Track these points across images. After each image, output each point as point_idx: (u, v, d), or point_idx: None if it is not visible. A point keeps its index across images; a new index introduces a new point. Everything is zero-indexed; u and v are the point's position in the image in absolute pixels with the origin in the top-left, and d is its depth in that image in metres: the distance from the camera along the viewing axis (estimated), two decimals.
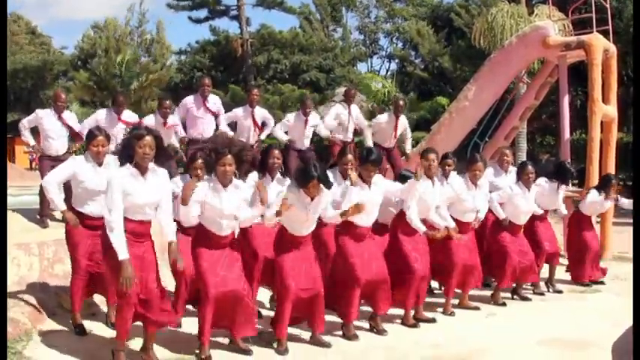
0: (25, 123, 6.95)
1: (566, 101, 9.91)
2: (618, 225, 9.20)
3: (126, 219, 4.11)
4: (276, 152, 5.70)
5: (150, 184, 4.21)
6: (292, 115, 8.18)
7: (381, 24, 37.01)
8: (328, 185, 4.71)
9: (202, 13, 28.49)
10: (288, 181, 5.68)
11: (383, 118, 8.48)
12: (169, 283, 5.17)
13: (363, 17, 37.36)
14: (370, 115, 15.55)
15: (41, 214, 6.92)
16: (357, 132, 8.73)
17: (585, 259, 7.46)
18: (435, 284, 6.61)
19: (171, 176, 4.66)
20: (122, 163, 4.21)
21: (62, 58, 38.10)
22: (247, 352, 4.71)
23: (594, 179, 8.81)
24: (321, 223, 5.13)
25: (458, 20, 24.64)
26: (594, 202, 7.56)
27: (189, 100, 7.72)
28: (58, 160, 6.90)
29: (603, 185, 7.65)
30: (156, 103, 8.01)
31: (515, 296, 6.78)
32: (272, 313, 5.16)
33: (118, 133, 6.95)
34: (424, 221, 5.67)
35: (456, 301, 6.26)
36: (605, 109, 9.39)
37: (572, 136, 10.93)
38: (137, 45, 33.50)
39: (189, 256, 4.65)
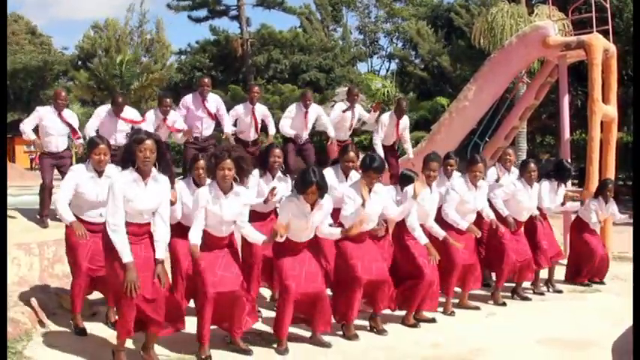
0: (27, 122, 6.94)
1: (566, 101, 9.90)
2: (618, 225, 9.20)
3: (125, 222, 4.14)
4: (277, 151, 5.72)
5: (150, 191, 4.22)
6: (293, 106, 8.20)
7: (380, 24, 37.08)
8: (324, 192, 4.71)
9: (202, 13, 28.55)
10: (289, 179, 5.70)
11: (384, 118, 8.49)
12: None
13: (363, 17, 37.42)
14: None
15: (41, 214, 6.93)
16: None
17: (588, 264, 7.43)
18: None
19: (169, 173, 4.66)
20: (124, 168, 4.21)
21: (62, 58, 38.12)
22: (247, 352, 4.71)
23: (594, 179, 8.81)
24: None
25: (458, 20, 24.66)
26: (595, 209, 7.51)
27: (188, 99, 7.72)
28: (58, 157, 6.93)
29: (601, 190, 7.63)
30: (156, 103, 7.99)
31: (515, 296, 6.78)
32: (272, 313, 5.16)
33: (119, 131, 6.98)
34: (422, 227, 5.68)
35: (456, 301, 6.27)
36: (605, 109, 9.39)
37: (572, 136, 10.95)
38: (137, 45, 33.52)
39: (189, 257, 4.67)
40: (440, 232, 5.84)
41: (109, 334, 4.92)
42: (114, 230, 4.06)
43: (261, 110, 8.11)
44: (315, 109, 8.19)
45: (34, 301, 5.27)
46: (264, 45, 27.94)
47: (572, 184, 8.91)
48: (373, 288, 5.20)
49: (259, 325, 5.36)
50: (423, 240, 5.55)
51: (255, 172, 5.42)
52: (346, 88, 10.41)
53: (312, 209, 4.73)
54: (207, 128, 7.70)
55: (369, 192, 5.15)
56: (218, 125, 7.91)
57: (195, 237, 4.47)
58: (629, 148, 14.88)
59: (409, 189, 5.45)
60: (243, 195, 4.66)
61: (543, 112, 18.80)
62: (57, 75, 37.60)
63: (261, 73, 27.53)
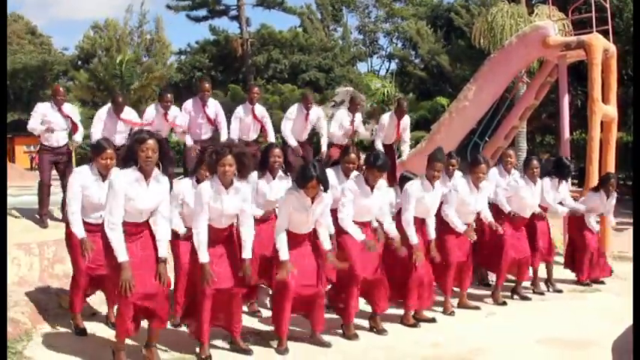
0: (32, 121, 6.91)
1: (566, 101, 9.91)
2: (618, 225, 9.19)
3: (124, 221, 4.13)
4: (277, 151, 5.74)
5: (151, 191, 4.22)
6: (295, 107, 8.22)
7: (380, 24, 37.07)
8: (326, 185, 4.72)
9: (202, 12, 28.52)
10: (289, 178, 5.70)
11: (385, 118, 8.49)
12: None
13: (362, 17, 37.42)
14: (369, 116, 15.56)
15: (40, 213, 6.93)
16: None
17: (584, 259, 7.46)
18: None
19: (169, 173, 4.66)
20: (125, 167, 4.20)
21: (62, 58, 38.13)
22: (247, 352, 4.71)
23: (594, 179, 8.80)
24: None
25: (458, 20, 24.63)
26: (595, 201, 7.52)
27: (188, 104, 7.75)
28: (57, 153, 6.94)
29: (603, 183, 7.63)
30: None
31: (514, 296, 6.78)
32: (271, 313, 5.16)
33: (118, 132, 6.99)
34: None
35: (456, 301, 6.27)
36: (605, 109, 9.39)
37: (572, 136, 10.95)
38: (137, 45, 33.53)
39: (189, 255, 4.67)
40: (431, 234, 5.84)
41: (109, 334, 4.91)
42: (112, 229, 4.06)
43: (260, 112, 8.12)
44: (315, 112, 8.21)
45: (34, 301, 5.27)
46: (263, 45, 27.92)
47: (572, 184, 8.90)
48: (371, 286, 5.23)
49: (259, 325, 5.37)
50: (414, 240, 5.52)
51: (254, 174, 5.42)
52: (346, 89, 10.42)
53: (312, 202, 4.74)
54: (206, 133, 7.76)
55: (372, 188, 5.20)
56: (217, 128, 7.92)
57: (204, 255, 4.41)
58: (629, 147, 14.88)
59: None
60: (244, 191, 4.63)
61: (543, 111, 18.77)
62: (57, 75, 37.57)
63: (260, 73, 27.51)
